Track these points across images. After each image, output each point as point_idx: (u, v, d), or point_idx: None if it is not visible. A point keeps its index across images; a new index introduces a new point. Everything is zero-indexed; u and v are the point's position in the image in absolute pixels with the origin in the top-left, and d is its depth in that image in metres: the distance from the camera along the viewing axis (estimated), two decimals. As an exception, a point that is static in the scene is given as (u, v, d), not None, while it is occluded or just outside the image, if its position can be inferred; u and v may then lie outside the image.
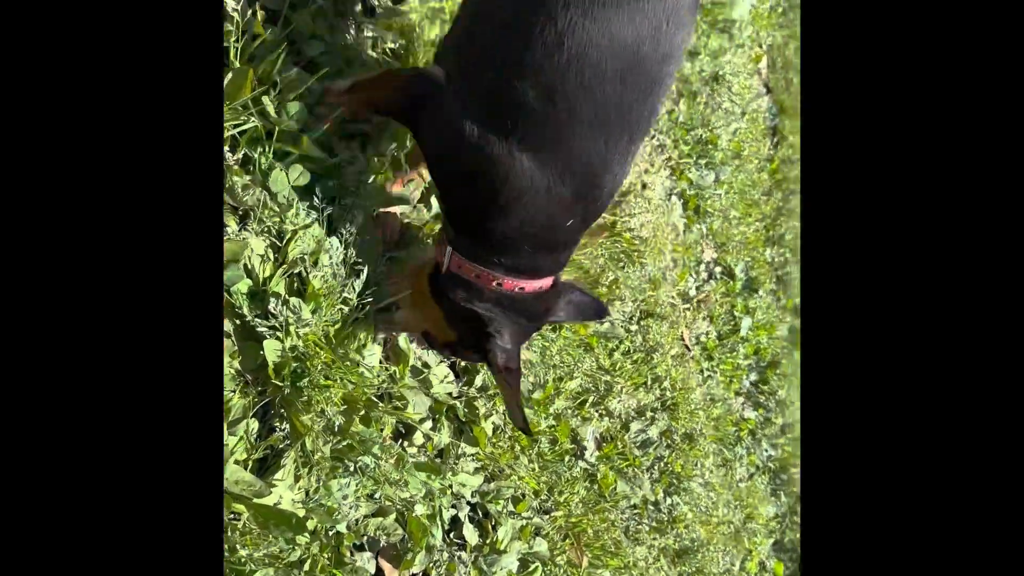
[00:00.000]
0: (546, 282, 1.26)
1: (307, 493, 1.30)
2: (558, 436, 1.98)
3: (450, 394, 1.68)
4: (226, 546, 1.13)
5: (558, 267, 1.30)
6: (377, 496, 1.40)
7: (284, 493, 1.22)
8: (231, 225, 1.22)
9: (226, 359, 1.18)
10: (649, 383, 2.30)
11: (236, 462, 1.18)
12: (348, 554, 1.36)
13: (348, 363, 1.32)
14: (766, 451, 3.10)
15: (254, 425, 1.25)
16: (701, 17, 2.94)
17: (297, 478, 1.29)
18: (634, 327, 2.28)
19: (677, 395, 2.38)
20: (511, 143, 1.06)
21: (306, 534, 1.22)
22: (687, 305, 2.66)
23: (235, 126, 1.21)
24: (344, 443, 1.35)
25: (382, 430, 1.43)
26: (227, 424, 1.18)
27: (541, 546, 1.85)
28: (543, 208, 1.12)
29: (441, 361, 1.66)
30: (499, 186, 1.09)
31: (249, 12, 1.23)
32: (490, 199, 1.11)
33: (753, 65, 3.44)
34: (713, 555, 2.37)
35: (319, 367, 1.28)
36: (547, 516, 1.91)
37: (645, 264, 2.30)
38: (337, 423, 1.30)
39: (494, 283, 1.20)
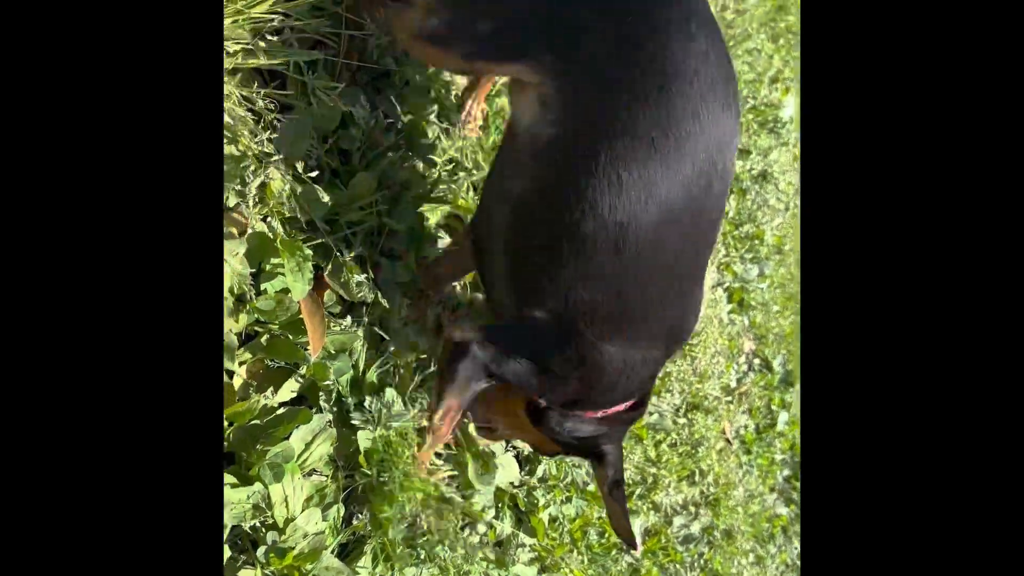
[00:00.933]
0: None
1: (383, 582, 1.32)
2: (607, 529, 1.98)
3: (512, 483, 1.70)
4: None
5: None
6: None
7: (367, 584, 1.24)
8: (338, 315, 1.27)
9: (326, 445, 1.22)
10: (695, 477, 2.30)
11: (326, 548, 1.21)
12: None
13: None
14: (795, 548, 3.07)
15: (341, 510, 1.28)
16: (753, 117, 3.05)
17: (375, 565, 1.31)
18: (681, 419, 2.30)
19: (719, 490, 2.38)
20: (592, 342, 1.03)
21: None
22: (729, 398, 2.68)
23: (350, 224, 1.28)
24: (420, 534, 1.37)
25: (455, 524, 1.45)
26: (321, 508, 1.21)
27: (586, 643, 1.84)
28: (638, 373, 1.13)
29: (506, 450, 1.69)
30: (595, 380, 1.09)
31: (373, 122, 1.31)
32: (589, 388, 1.12)
33: (797, 163, 3.54)
34: (748, 658, 2.33)
35: (405, 460, 1.31)
36: (591, 610, 1.90)
37: (696, 357, 2.33)
38: (418, 516, 1.32)
39: (600, 413, 1.21)
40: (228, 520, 1.08)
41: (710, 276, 2.63)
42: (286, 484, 1.15)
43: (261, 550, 1.14)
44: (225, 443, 1.14)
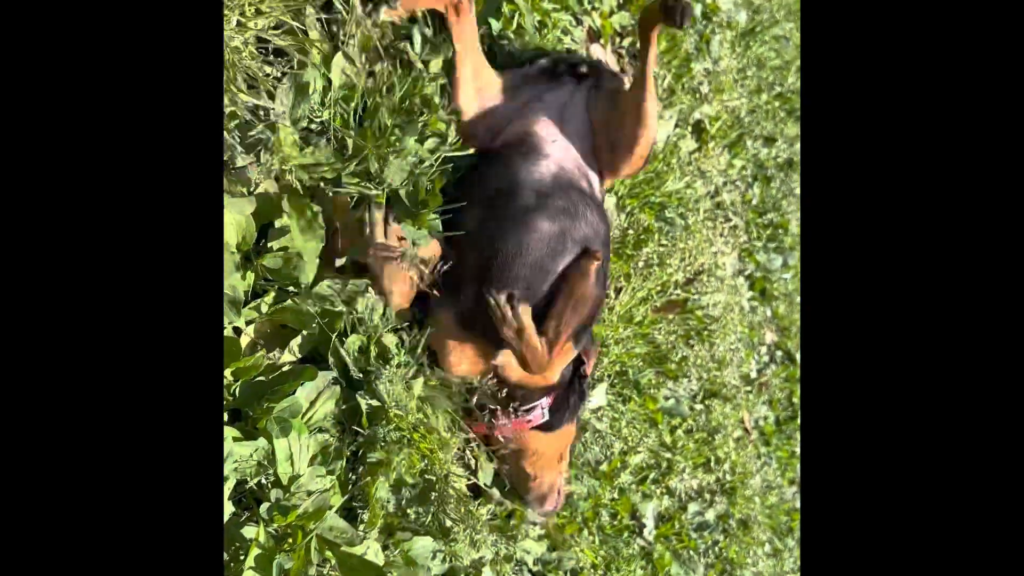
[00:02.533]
0: None
1: (388, 547, 1.32)
2: (619, 511, 1.96)
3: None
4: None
5: None
6: (446, 556, 1.41)
7: (372, 545, 1.24)
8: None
9: (331, 403, 1.22)
10: (711, 464, 2.27)
11: (332, 508, 1.21)
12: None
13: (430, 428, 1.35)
14: (816, 544, 3.02)
15: (346, 471, 1.28)
16: (779, 104, 3.00)
17: (381, 529, 1.31)
18: (698, 406, 2.27)
19: (735, 479, 2.35)
20: None
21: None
22: (748, 388, 2.64)
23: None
24: (425, 501, 1.37)
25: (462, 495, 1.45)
26: (326, 467, 1.22)
27: (595, 624, 1.82)
28: None
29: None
30: None
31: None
32: None
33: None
34: (762, 650, 2.29)
35: (408, 426, 1.31)
36: (602, 591, 1.88)
37: (714, 343, 2.30)
38: (424, 484, 1.32)
39: None
40: (232, 475, 1.09)
41: (730, 263, 2.60)
42: (292, 441, 1.15)
43: (264, 507, 1.14)
44: (231, 399, 1.15)
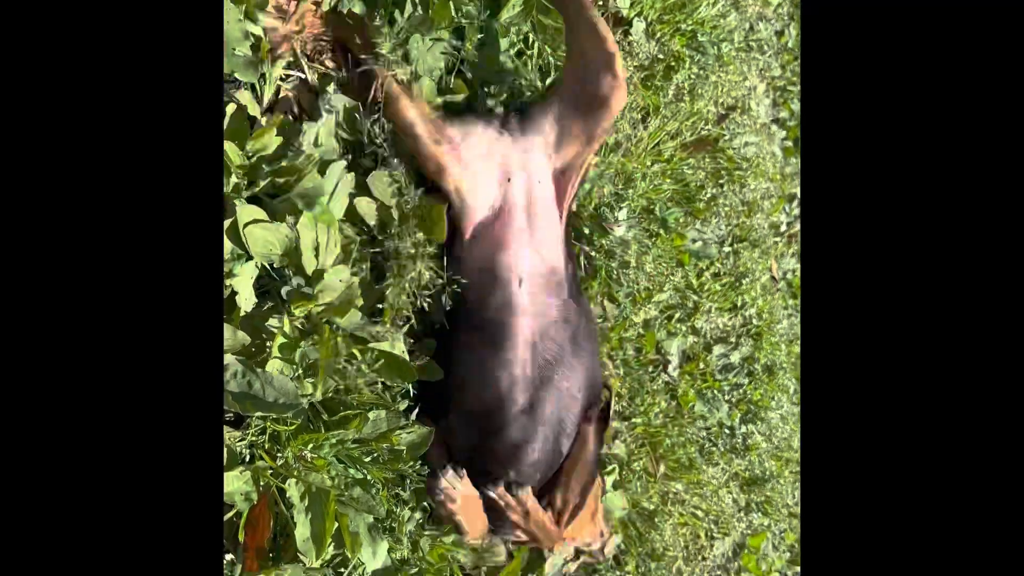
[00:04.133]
0: None
1: (414, 352, 1.32)
2: (644, 346, 1.96)
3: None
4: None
5: None
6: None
7: (398, 344, 1.23)
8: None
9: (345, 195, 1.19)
10: (737, 308, 2.25)
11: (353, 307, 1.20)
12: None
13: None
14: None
15: (369, 273, 1.26)
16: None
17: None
18: (727, 248, 2.22)
19: (762, 324, 2.33)
20: None
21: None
22: (778, 238, 2.58)
23: None
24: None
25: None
26: (350, 267, 1.20)
27: (619, 449, 1.86)
28: None
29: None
30: None
31: None
32: None
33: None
34: (783, 488, 2.34)
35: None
36: (627, 423, 1.90)
37: (745, 185, 2.23)
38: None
39: None
40: (255, 255, 1.07)
41: (764, 108, 2.48)
42: (320, 232, 1.13)
43: (285, 290, 1.13)
44: (244, 177, 1.11)
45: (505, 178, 1.35)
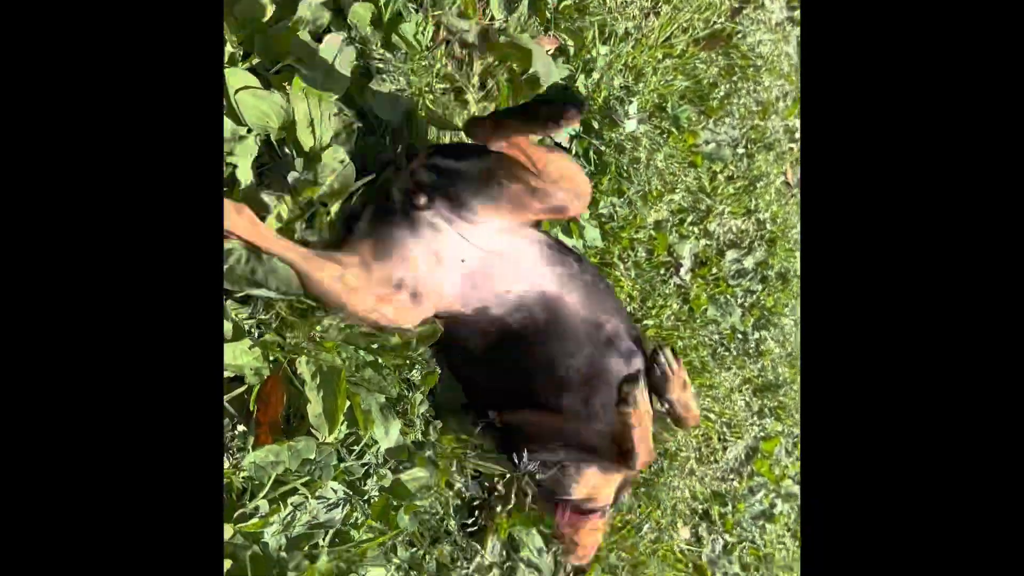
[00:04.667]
0: None
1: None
2: (656, 248, 1.93)
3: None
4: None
5: None
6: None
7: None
8: None
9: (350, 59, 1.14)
10: (749, 212, 2.20)
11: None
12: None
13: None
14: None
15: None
16: None
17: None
18: (740, 151, 2.17)
19: (776, 229, 2.29)
20: None
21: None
22: (793, 144, 2.51)
23: None
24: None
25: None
26: (346, 148, 1.16)
27: (631, 351, 1.84)
28: None
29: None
30: None
31: None
32: None
33: None
34: (796, 395, 2.34)
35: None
36: (639, 325, 1.89)
37: (760, 83, 2.15)
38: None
39: None
40: (252, 126, 1.04)
41: (779, 6, 2.38)
42: (312, 105, 1.09)
43: (291, 175, 1.10)
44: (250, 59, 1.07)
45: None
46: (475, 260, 1.20)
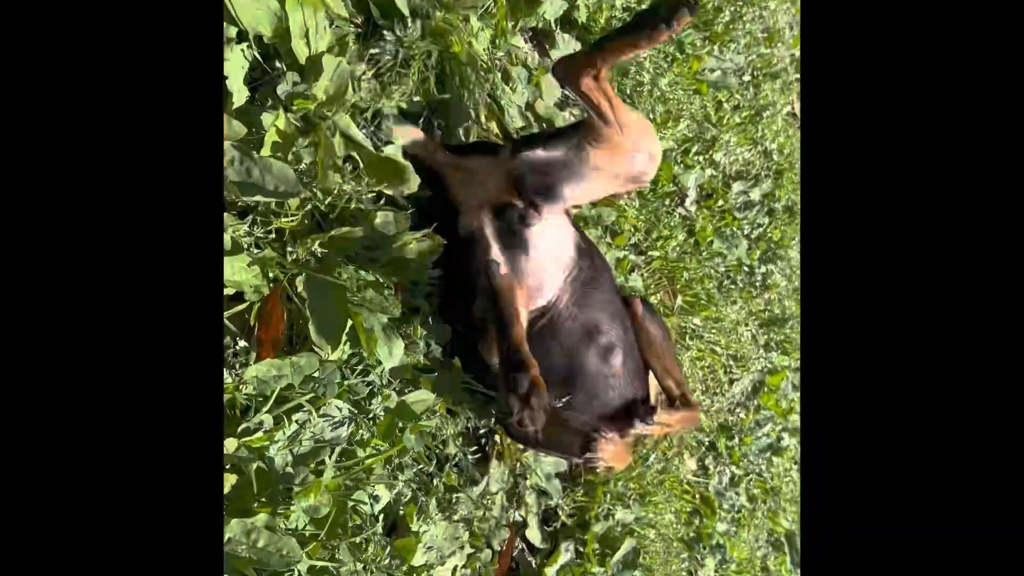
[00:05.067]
0: None
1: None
2: (660, 178, 1.89)
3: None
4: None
5: None
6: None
7: (397, 151, 1.18)
8: None
9: None
10: (755, 142, 2.16)
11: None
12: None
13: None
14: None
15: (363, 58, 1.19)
16: None
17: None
18: (746, 78, 2.11)
19: (783, 161, 2.25)
20: None
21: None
22: (799, 75, 2.45)
23: None
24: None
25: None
26: (345, 55, 1.12)
27: (636, 282, 1.82)
28: None
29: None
30: None
31: None
32: None
33: None
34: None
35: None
36: (643, 257, 1.86)
37: (766, 7, 2.09)
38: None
39: None
40: (245, 27, 1.00)
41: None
42: (307, 15, 1.05)
43: (281, 88, 1.07)
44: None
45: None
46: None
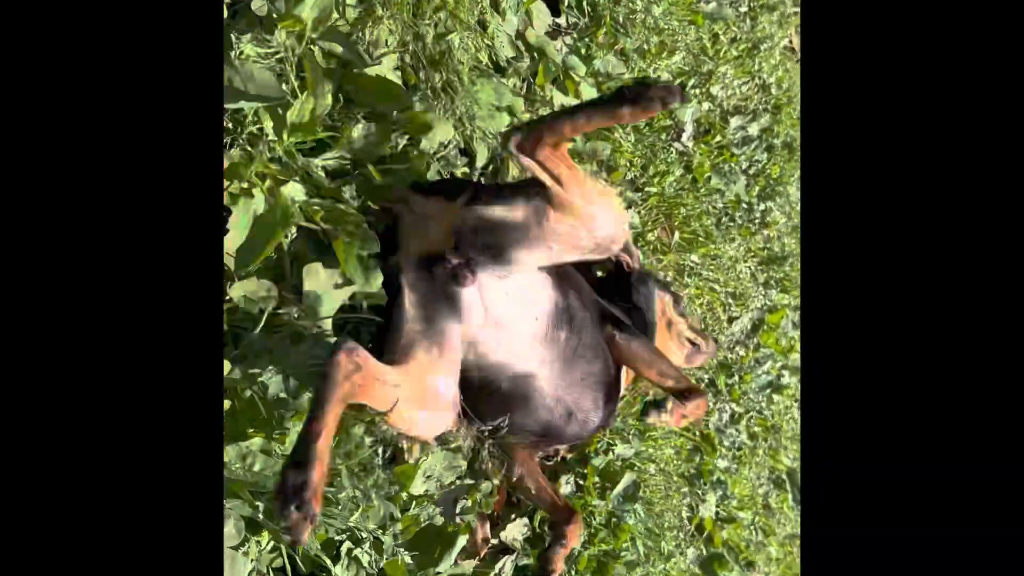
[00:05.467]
0: None
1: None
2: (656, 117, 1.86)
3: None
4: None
5: None
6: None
7: (387, 65, 1.15)
8: None
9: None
10: (752, 76, 2.12)
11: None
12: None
13: None
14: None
15: None
16: None
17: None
18: (743, 9, 2.06)
19: (781, 95, 2.20)
20: None
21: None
22: (797, 8, 2.40)
23: None
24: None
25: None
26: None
27: (634, 219, 1.80)
28: None
29: None
30: None
31: None
32: None
33: None
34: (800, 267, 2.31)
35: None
36: (640, 193, 1.84)
37: (763, -67, 2.03)
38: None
39: None
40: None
41: None
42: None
43: (257, 3, 1.03)
44: None
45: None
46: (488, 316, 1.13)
